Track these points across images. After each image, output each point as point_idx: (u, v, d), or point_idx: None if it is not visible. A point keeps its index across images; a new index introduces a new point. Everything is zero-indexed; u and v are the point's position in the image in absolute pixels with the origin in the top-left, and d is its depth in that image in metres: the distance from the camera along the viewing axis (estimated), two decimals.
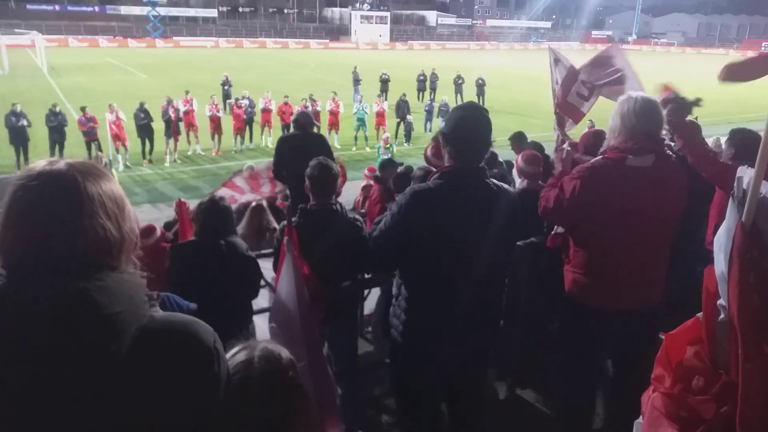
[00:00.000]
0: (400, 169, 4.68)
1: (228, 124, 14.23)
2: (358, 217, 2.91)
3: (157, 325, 0.97)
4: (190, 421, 0.96)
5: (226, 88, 18.11)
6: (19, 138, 11.78)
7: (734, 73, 2.72)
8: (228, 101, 16.99)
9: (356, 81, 21.02)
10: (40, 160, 0.96)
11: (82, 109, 12.43)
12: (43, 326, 0.86)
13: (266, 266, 3.23)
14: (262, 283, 3.48)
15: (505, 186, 2.28)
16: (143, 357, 0.93)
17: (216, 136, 14.04)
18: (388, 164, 5.19)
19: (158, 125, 13.08)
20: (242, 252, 2.90)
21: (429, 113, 16.61)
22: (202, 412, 0.98)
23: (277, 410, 1.13)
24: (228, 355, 1.15)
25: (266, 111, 14.63)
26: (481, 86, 20.57)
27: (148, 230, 4.31)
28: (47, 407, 0.87)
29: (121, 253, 0.98)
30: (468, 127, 2.18)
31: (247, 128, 14.61)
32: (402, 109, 15.50)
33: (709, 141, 4.51)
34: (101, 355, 0.89)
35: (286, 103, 14.60)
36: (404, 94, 15.87)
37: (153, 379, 0.93)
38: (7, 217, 0.91)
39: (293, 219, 2.71)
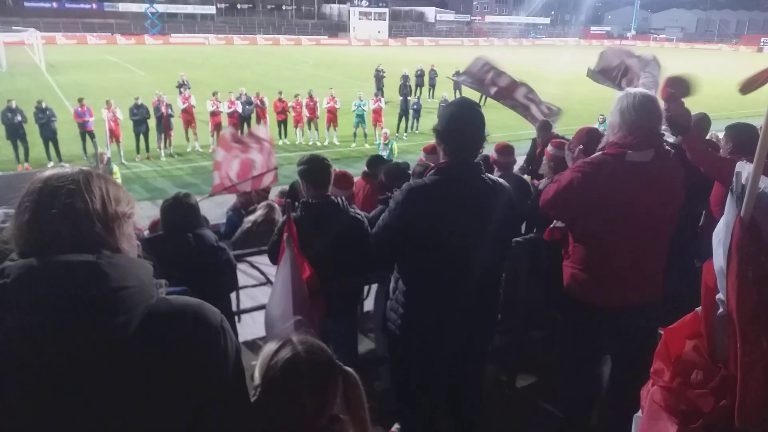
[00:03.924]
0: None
1: (224, 120, 14.18)
2: (359, 212, 2.91)
3: (166, 305, 1.04)
4: (197, 396, 1.01)
5: (182, 90, 16.02)
6: (16, 134, 11.87)
7: (751, 84, 2.83)
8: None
9: (379, 79, 20.73)
10: (52, 167, 1.09)
11: (80, 100, 12.49)
12: (55, 298, 0.91)
13: (269, 262, 3.22)
14: (263, 279, 3.49)
15: (501, 181, 2.30)
16: (151, 333, 0.98)
17: (216, 133, 14.02)
18: (376, 161, 5.18)
19: (151, 122, 13.09)
20: (211, 243, 2.90)
21: (417, 111, 16.50)
22: (210, 388, 1.03)
23: (332, 394, 1.18)
24: (266, 352, 1.20)
25: (258, 108, 14.57)
26: None
27: (158, 226, 4.32)
28: (57, 378, 0.92)
29: (120, 234, 1.05)
30: (461, 122, 2.19)
31: (245, 125, 14.58)
32: (404, 95, 15.53)
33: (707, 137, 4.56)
34: (109, 328, 0.94)
35: (280, 99, 14.58)
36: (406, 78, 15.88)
37: (160, 355, 0.98)
38: (21, 210, 1.00)
39: (294, 213, 2.71)
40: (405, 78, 17.73)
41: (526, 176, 5.61)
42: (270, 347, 1.21)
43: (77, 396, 0.92)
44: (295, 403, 1.15)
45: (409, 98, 15.96)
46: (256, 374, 1.20)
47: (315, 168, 2.76)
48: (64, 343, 0.91)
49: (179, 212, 2.90)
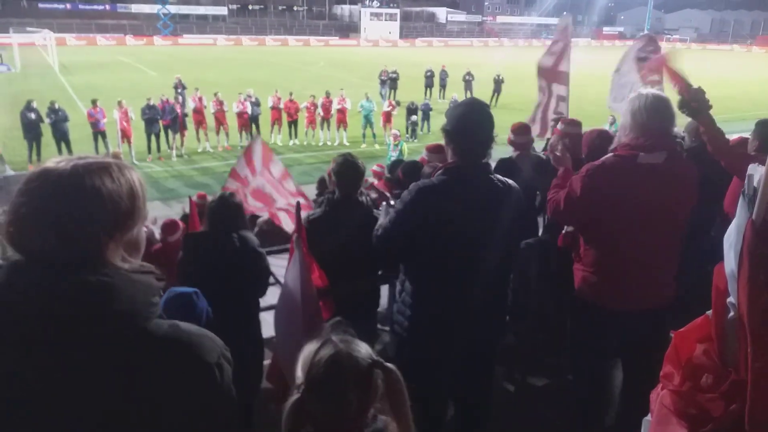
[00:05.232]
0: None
1: (232, 120, 14.25)
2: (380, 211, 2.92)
3: (160, 333, 0.96)
4: (179, 429, 0.95)
5: (179, 90, 16.24)
6: (33, 133, 12.06)
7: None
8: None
9: (383, 81, 20.66)
10: (50, 160, 0.98)
11: (93, 101, 12.65)
12: (37, 318, 0.87)
13: (279, 263, 3.24)
14: (272, 280, 3.51)
15: (510, 181, 2.29)
16: (137, 361, 0.92)
17: (221, 132, 14.11)
18: (397, 166, 5.19)
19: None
20: (254, 246, 2.92)
21: (425, 113, 16.46)
22: (195, 423, 0.97)
23: (374, 391, 1.20)
24: (308, 351, 1.20)
25: (275, 109, 14.63)
26: (498, 83, 20.33)
27: (173, 226, 4.38)
28: (35, 397, 0.88)
29: (116, 250, 0.97)
30: (469, 123, 2.19)
31: (253, 125, 14.63)
32: (410, 113, 15.55)
33: None
34: (92, 350, 0.89)
35: (291, 100, 14.63)
36: (412, 102, 15.89)
37: (144, 384, 0.92)
38: (12, 213, 0.93)
39: (318, 209, 2.72)
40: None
41: None
42: (311, 346, 1.22)
43: (50, 413, 0.88)
44: (340, 400, 1.16)
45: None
46: (299, 373, 1.21)
47: (345, 172, 2.77)
48: (38, 360, 0.88)
49: (226, 212, 2.92)
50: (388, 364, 1.24)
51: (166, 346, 0.96)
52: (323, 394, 1.17)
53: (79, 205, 0.92)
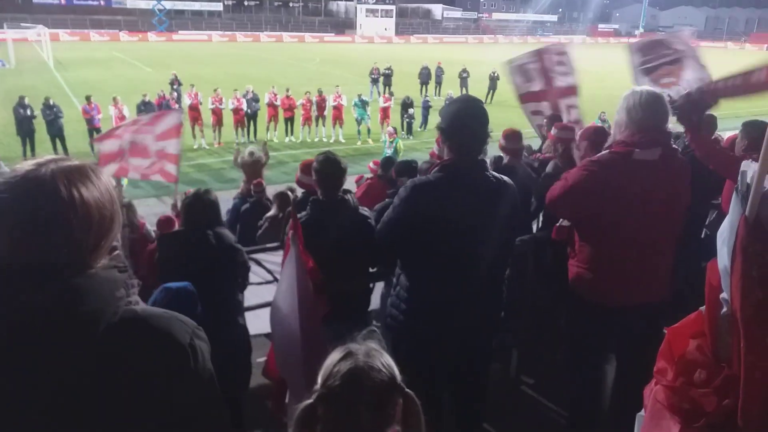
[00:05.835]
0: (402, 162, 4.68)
1: (228, 117, 14.19)
2: (366, 209, 2.91)
3: (129, 322, 0.96)
4: (160, 419, 0.96)
5: (175, 87, 16.39)
6: (26, 129, 12.02)
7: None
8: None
9: (374, 80, 20.71)
10: (29, 161, 0.96)
11: (87, 98, 12.61)
12: (13, 326, 0.87)
13: (275, 260, 3.23)
14: (270, 278, 3.50)
15: (505, 178, 2.30)
16: (112, 353, 0.93)
17: (218, 129, 14.07)
18: (389, 162, 5.18)
19: None
20: (230, 243, 2.91)
21: (425, 109, 16.47)
22: (174, 411, 0.97)
23: (390, 414, 1.15)
24: (331, 359, 1.17)
25: (271, 106, 14.59)
26: (494, 80, 20.39)
27: (168, 222, 4.37)
28: (17, 401, 0.88)
29: (97, 258, 0.97)
30: (464, 119, 2.19)
31: (251, 122, 14.57)
32: (406, 107, 15.51)
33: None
34: (69, 352, 0.90)
35: (288, 96, 14.59)
36: (408, 97, 15.88)
37: (122, 374, 0.93)
38: None
39: (304, 212, 2.72)
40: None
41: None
42: (335, 355, 1.19)
43: (36, 413, 0.89)
44: (351, 416, 1.12)
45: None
46: (319, 379, 1.18)
47: (328, 170, 2.74)
48: (18, 367, 0.88)
49: (200, 209, 2.90)
50: (409, 390, 1.20)
51: (137, 333, 0.96)
52: (336, 407, 1.14)
53: (60, 216, 0.90)
